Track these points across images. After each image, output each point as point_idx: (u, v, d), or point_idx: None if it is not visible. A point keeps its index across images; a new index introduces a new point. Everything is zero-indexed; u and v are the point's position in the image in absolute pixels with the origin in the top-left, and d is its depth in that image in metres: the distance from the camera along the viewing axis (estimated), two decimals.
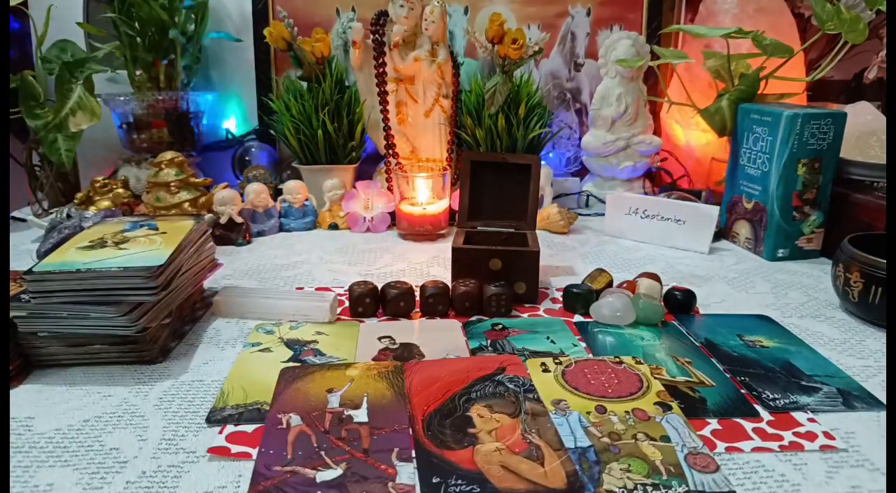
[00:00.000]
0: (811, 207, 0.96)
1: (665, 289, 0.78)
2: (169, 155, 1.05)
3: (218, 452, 0.49)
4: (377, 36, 1.15)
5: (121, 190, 1.08)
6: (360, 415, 0.54)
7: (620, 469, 0.47)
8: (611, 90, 1.21)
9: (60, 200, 1.20)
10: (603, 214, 1.13)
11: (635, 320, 0.73)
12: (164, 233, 0.71)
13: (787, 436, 0.52)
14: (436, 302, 0.75)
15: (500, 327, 0.72)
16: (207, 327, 0.73)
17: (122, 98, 1.18)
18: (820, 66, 1.09)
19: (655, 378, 0.60)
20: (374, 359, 0.65)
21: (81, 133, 1.08)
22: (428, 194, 1.08)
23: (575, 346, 0.68)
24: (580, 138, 1.30)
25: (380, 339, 0.69)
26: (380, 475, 0.46)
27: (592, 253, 1.01)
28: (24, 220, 1.12)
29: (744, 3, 1.20)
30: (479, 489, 0.45)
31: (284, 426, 0.52)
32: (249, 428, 0.53)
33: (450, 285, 0.78)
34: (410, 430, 0.52)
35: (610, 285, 0.81)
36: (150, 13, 1.14)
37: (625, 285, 0.79)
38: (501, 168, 0.91)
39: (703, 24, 1.24)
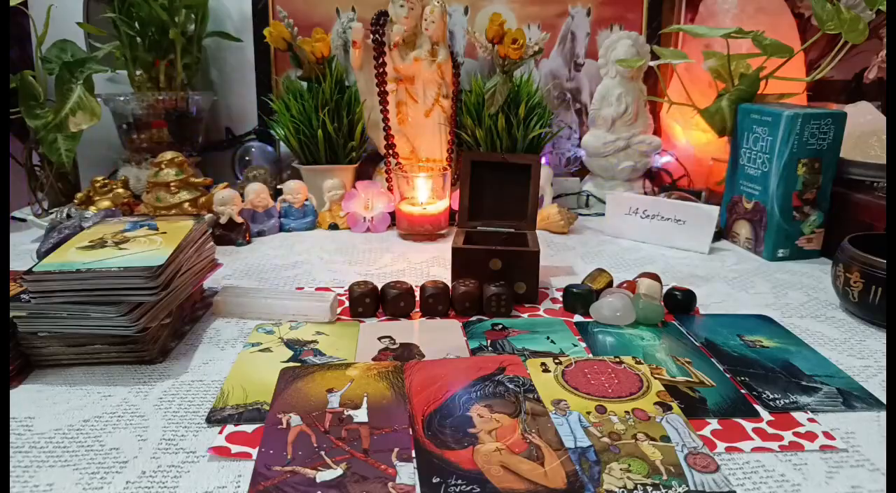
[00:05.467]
0: (811, 207, 0.96)
1: (665, 289, 0.78)
2: (169, 155, 1.05)
3: (218, 452, 0.49)
4: (377, 36, 1.15)
5: (121, 190, 1.08)
6: (360, 415, 0.54)
7: (620, 469, 0.47)
8: (611, 90, 1.21)
9: (60, 200, 1.19)
10: (603, 214, 1.13)
11: (635, 320, 0.73)
12: (164, 233, 0.71)
13: (787, 436, 0.52)
14: (436, 302, 0.75)
15: (500, 327, 0.72)
16: (207, 327, 0.73)
17: (122, 98, 1.18)
18: (820, 66, 1.09)
19: (655, 378, 0.60)
20: (374, 359, 0.65)
21: (81, 133, 1.08)
22: (428, 194, 1.08)
23: (575, 346, 0.68)
24: (580, 138, 1.30)
25: (380, 339, 0.69)
26: (380, 475, 0.46)
27: (592, 253, 1.01)
28: (24, 220, 1.12)
29: (744, 3, 1.20)
30: (479, 489, 0.45)
31: (284, 425, 0.52)
32: (249, 428, 0.52)
33: (450, 285, 0.78)
34: (410, 430, 0.52)
35: (610, 285, 0.81)
36: (150, 13, 1.14)
37: (625, 285, 0.79)
38: (501, 168, 0.91)
39: (703, 24, 1.24)
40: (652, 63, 1.16)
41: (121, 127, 1.22)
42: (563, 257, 0.99)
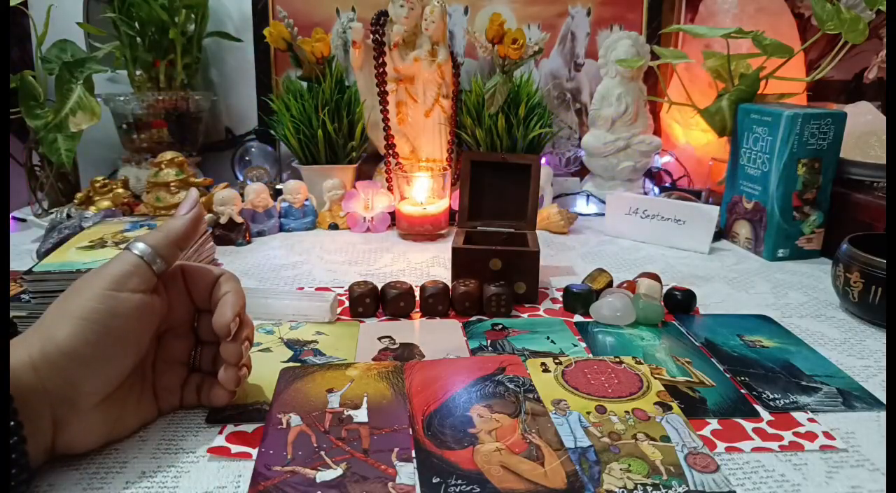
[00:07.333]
0: (811, 207, 0.96)
1: (665, 289, 0.78)
2: (169, 155, 1.05)
3: (218, 452, 0.49)
4: (377, 36, 1.15)
5: (121, 190, 1.08)
6: (360, 415, 0.54)
7: (620, 469, 0.47)
8: (611, 90, 1.21)
9: (60, 200, 1.19)
10: (603, 215, 1.13)
11: (635, 320, 0.73)
12: None
13: (787, 436, 0.52)
14: (436, 302, 0.75)
15: (500, 327, 0.72)
16: None
17: (122, 98, 1.18)
18: (820, 66, 1.09)
19: (655, 378, 0.60)
20: (374, 359, 0.65)
21: (81, 133, 1.08)
22: (428, 194, 1.08)
23: (575, 346, 0.68)
24: (580, 138, 1.30)
25: (380, 339, 0.69)
26: (380, 475, 0.46)
27: (592, 253, 1.01)
28: (24, 220, 1.12)
29: (744, 3, 1.20)
30: (479, 489, 0.45)
31: (284, 426, 0.52)
32: (249, 428, 0.52)
33: (450, 285, 0.78)
34: (410, 430, 0.52)
35: (610, 285, 0.81)
36: (150, 13, 1.14)
37: (625, 285, 0.79)
38: (501, 168, 0.91)
39: (703, 24, 1.24)
40: (652, 63, 1.16)
41: (121, 127, 1.22)
42: (563, 257, 0.99)
